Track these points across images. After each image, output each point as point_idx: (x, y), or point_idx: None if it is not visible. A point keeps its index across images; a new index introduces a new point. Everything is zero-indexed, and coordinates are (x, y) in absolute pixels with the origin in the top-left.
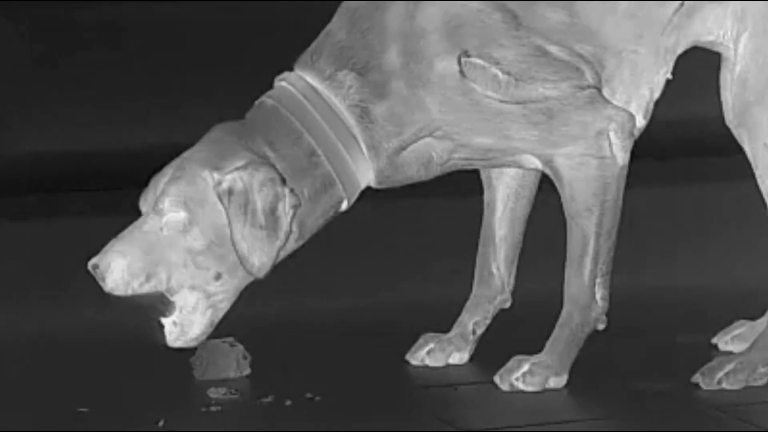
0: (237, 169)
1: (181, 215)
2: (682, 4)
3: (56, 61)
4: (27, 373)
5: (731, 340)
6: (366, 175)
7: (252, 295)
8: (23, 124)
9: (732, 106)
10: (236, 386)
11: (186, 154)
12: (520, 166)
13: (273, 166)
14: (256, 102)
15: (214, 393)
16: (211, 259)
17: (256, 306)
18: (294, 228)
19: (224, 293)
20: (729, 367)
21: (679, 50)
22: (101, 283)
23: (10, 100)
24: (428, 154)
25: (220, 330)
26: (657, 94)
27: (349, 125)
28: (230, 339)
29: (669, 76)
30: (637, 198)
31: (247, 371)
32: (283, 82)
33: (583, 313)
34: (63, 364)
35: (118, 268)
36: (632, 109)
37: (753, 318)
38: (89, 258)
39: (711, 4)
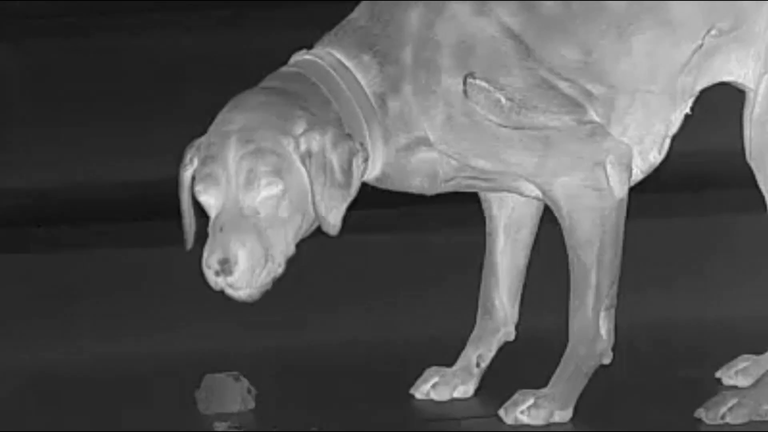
0: (306, 130)
1: (278, 188)
2: (701, 45)
3: (57, 92)
4: (28, 407)
5: (735, 374)
6: (375, 164)
7: (257, 329)
8: (24, 157)
9: (750, 148)
10: (241, 421)
11: (233, 126)
12: (521, 193)
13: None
14: (271, 74)
15: (218, 427)
16: (291, 227)
17: (261, 340)
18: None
19: (285, 260)
20: (732, 401)
21: (698, 89)
22: (224, 279)
23: (9, 132)
24: (434, 169)
25: (225, 365)
26: (674, 130)
27: (373, 107)
28: (235, 373)
29: (688, 111)
30: (640, 230)
31: (252, 405)
32: (308, 55)
33: (588, 347)
34: (65, 397)
35: (244, 259)
36: (646, 145)
37: (758, 352)
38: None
39: (733, 45)
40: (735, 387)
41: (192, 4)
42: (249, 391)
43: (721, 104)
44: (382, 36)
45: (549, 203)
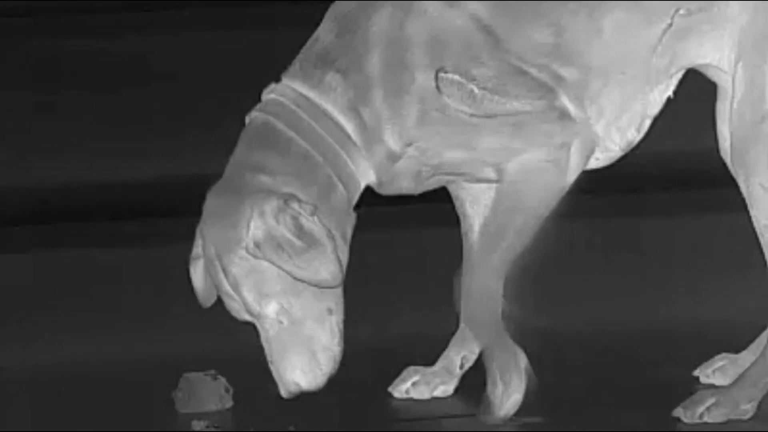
0: (250, 220)
1: (273, 304)
2: (670, 25)
3: (60, 93)
4: (23, 407)
5: (713, 373)
6: (366, 174)
7: (234, 328)
8: (23, 157)
9: (728, 143)
10: (219, 419)
11: (211, 250)
12: (489, 181)
13: (272, 191)
14: (247, 119)
15: (196, 426)
16: (314, 301)
17: (239, 339)
18: (334, 231)
19: (340, 314)
20: (711, 401)
21: (674, 71)
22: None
23: (12, 132)
24: (416, 169)
25: (202, 363)
26: (654, 111)
27: (343, 127)
28: (213, 372)
29: (670, 94)
30: (616, 230)
31: (230, 404)
32: (272, 94)
33: (486, 307)
34: (43, 399)
35: (302, 376)
36: (624, 122)
37: (736, 351)
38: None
39: (705, 27)
40: (713, 386)
41: (192, 4)
42: (227, 390)
43: (694, 102)
44: (346, 48)
45: (495, 177)
